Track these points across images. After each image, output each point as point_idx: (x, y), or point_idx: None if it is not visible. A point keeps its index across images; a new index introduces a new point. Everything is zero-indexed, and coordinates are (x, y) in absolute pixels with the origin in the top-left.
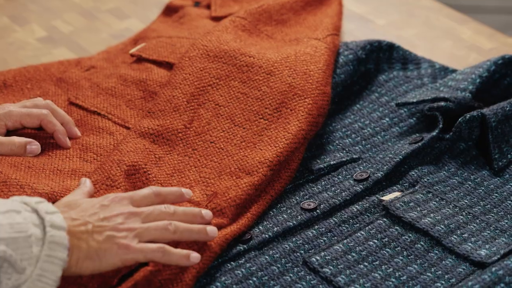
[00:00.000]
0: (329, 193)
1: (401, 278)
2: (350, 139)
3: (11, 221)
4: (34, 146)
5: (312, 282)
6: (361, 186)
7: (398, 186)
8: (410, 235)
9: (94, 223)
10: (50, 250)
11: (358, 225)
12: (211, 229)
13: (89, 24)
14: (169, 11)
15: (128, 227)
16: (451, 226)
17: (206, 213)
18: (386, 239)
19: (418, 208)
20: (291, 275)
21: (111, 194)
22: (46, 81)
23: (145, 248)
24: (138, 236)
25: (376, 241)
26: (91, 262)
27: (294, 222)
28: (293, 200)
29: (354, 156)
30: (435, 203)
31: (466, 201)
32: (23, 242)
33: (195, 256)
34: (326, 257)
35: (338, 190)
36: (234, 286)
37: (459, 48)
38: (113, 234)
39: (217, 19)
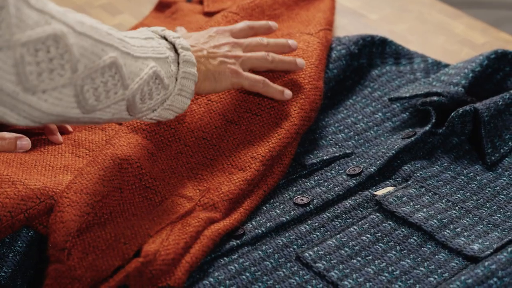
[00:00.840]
0: (322, 188)
1: (394, 273)
2: (343, 134)
3: (152, 44)
4: (25, 141)
5: (305, 277)
6: (354, 181)
7: (391, 181)
8: (403, 229)
9: (208, 50)
10: (185, 67)
11: (351, 220)
12: (300, 61)
13: None
14: (162, 6)
15: (235, 54)
16: (444, 220)
17: (293, 43)
18: (379, 234)
19: (411, 203)
20: (284, 270)
21: (213, 28)
22: None
23: (251, 76)
24: (242, 63)
25: (369, 236)
26: (209, 83)
27: (287, 217)
28: (286, 195)
29: (347, 151)
30: (428, 197)
31: (459, 195)
32: (164, 61)
33: (288, 93)
34: (319, 252)
35: (331, 185)
36: (227, 281)
37: (451, 42)
38: (224, 60)
39: (209, 14)
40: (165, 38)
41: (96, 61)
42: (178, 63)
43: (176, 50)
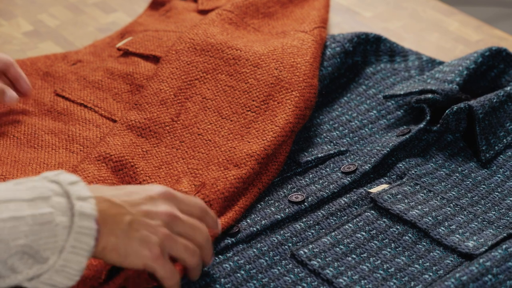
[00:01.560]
0: (316, 185)
1: (389, 270)
2: (337, 132)
3: (34, 211)
4: (12, 92)
5: (300, 274)
6: (349, 179)
7: (386, 178)
8: (398, 227)
9: (134, 217)
10: (76, 241)
11: (346, 217)
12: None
13: (75, 18)
14: (156, 4)
15: (165, 233)
16: (438, 218)
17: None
18: (374, 231)
19: (406, 200)
20: (279, 268)
21: (159, 187)
22: (33, 76)
23: (169, 270)
24: (168, 245)
25: (364, 233)
26: (116, 256)
27: (282, 215)
28: (281, 193)
29: (342, 149)
30: (422, 195)
31: (454, 193)
32: (47, 231)
33: None
34: (314, 250)
35: (326, 183)
36: (222, 279)
37: (446, 40)
38: (149, 237)
39: (204, 12)
40: (67, 196)
41: None
42: (70, 233)
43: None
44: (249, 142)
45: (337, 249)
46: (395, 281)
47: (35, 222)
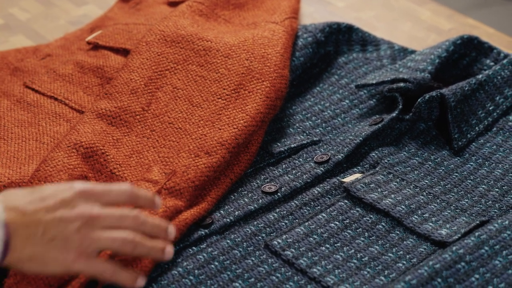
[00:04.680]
0: (290, 176)
1: (363, 259)
2: (310, 122)
3: None
4: None
5: (274, 265)
6: (322, 169)
7: (359, 167)
8: (371, 216)
9: (47, 225)
10: None
11: (319, 207)
12: (169, 250)
13: (47, 10)
14: None
15: (83, 235)
16: (412, 206)
17: (171, 231)
18: (347, 221)
19: (379, 189)
20: (253, 258)
21: (78, 185)
22: (3, 70)
23: (97, 265)
24: (90, 245)
25: (337, 223)
26: (35, 265)
27: (255, 205)
28: (254, 183)
29: (315, 139)
30: (395, 184)
31: (427, 181)
32: None
33: (140, 283)
34: (288, 240)
35: (299, 173)
36: (196, 271)
37: (418, 29)
38: (65, 243)
39: (174, 4)
40: None
41: None
42: None
43: None
44: (220, 129)
45: (311, 239)
46: (369, 270)
47: None
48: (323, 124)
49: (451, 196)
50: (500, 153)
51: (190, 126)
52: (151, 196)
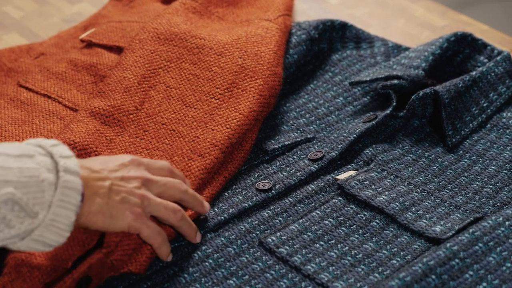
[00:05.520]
0: (284, 173)
1: (357, 256)
2: (304, 119)
3: (21, 165)
4: None
5: (268, 262)
6: (316, 166)
7: (353, 164)
8: (366, 213)
9: (113, 181)
10: (63, 195)
11: (313, 204)
12: (207, 205)
13: (40, 8)
14: None
15: (143, 194)
16: (406, 203)
17: (207, 205)
18: (341, 218)
19: (373, 186)
20: (247, 256)
21: (128, 156)
22: None
23: (152, 225)
24: (148, 207)
25: (331, 220)
26: (102, 218)
27: (250, 203)
28: (248, 181)
29: (309, 136)
30: (389, 180)
31: (421, 178)
32: (35, 186)
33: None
34: (282, 237)
35: (293, 170)
36: (190, 268)
37: (412, 26)
38: (128, 198)
39: (167, 2)
40: (51, 155)
41: None
42: (56, 188)
43: (58, 172)
44: (213, 129)
45: (305, 236)
46: (363, 267)
47: (22, 175)
48: (317, 121)
49: (445, 193)
50: (494, 149)
51: (183, 128)
52: (183, 175)
